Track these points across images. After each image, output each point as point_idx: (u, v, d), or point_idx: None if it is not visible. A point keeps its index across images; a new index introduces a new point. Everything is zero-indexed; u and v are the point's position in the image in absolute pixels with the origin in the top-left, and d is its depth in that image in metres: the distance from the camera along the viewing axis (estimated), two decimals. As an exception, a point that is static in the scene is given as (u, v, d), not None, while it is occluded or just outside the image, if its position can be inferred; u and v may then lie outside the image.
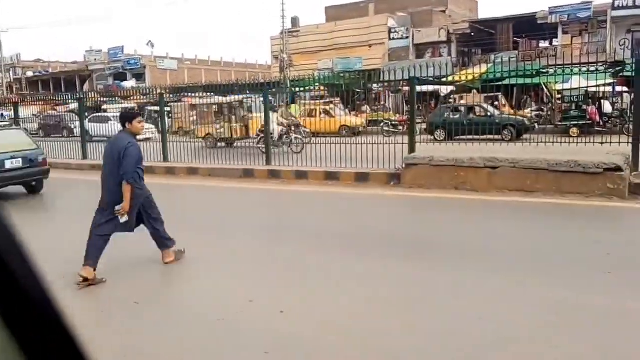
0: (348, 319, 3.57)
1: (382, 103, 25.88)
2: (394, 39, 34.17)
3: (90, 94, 15.43)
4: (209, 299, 4.10)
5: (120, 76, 43.63)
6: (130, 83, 39.78)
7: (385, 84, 13.97)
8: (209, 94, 16.05)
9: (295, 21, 38.69)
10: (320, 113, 18.10)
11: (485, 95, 18.62)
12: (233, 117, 16.16)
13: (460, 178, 8.18)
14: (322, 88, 20.20)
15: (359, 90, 15.77)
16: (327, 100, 21.93)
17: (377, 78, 17.23)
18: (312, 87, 16.09)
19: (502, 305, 3.70)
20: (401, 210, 7.70)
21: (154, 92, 14.14)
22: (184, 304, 4.04)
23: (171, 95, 16.57)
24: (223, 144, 15.22)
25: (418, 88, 10.81)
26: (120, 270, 4.76)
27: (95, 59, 45.22)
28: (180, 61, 46.04)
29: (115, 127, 14.86)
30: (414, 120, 10.26)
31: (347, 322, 3.51)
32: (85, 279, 4.31)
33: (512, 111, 19.07)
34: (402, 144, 9.90)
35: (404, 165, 8.91)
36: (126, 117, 4.83)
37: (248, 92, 14.72)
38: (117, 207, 4.49)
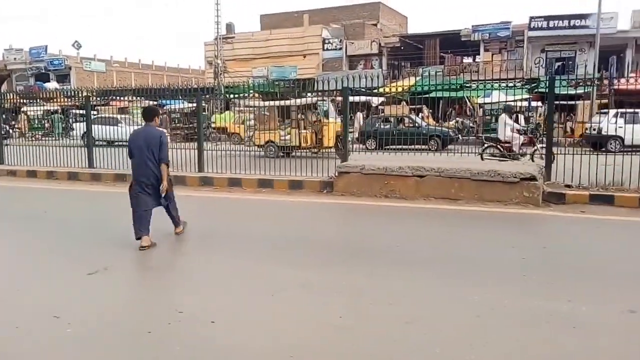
0: (281, 326, 3.61)
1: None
2: (327, 49, 34.81)
3: (7, 95, 14.38)
4: (134, 311, 3.98)
5: (43, 77, 41.18)
6: (53, 84, 37.62)
7: (319, 94, 14.22)
8: (139, 97, 15.53)
9: (230, 27, 38.38)
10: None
11: (411, 107, 19.41)
12: (302, 122, 14.35)
13: (390, 186, 8.48)
14: (256, 95, 20.17)
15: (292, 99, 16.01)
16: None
17: (311, 87, 17.49)
18: (246, 94, 16.02)
19: (430, 308, 3.88)
20: (333, 217, 7.86)
21: (80, 95, 13.48)
22: (107, 317, 3.88)
23: (98, 99, 15.86)
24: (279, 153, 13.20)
25: (350, 98, 11.09)
26: (41, 283, 4.52)
27: (15, 58, 42.41)
28: (109, 63, 44.16)
29: (125, 129, 13.90)
30: (346, 129, 10.51)
31: (280, 330, 3.55)
32: (146, 246, 5.47)
33: (434, 122, 19.94)
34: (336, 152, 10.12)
35: (336, 174, 9.11)
36: (154, 113, 5.91)
37: (180, 97, 14.41)
38: (161, 187, 5.68)
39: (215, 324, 3.61)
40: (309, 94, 14.28)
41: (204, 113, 13.64)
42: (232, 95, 16.82)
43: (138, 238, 5.52)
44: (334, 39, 34.92)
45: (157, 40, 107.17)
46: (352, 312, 3.84)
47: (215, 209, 8.52)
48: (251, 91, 15.96)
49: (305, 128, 14.41)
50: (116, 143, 13.43)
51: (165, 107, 15.05)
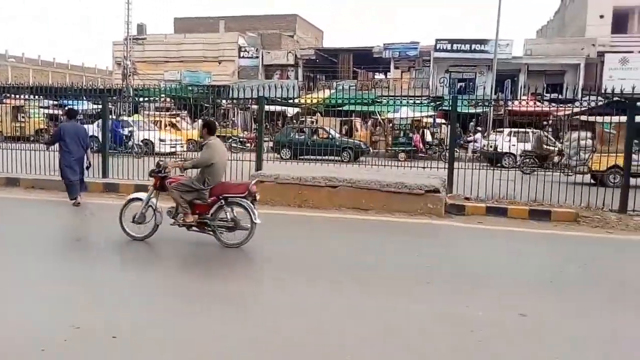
0: (187, 341, 3.50)
1: (232, 120, 25.89)
2: (244, 57, 34.59)
3: None
4: (27, 328, 3.66)
5: None
6: None
7: (235, 101, 14.05)
8: (37, 97, 14.34)
9: (141, 28, 36.90)
10: (165, 125, 17.44)
11: (341, 119, 19.84)
12: None
13: (303, 196, 8.56)
14: (168, 100, 19.51)
15: (207, 105, 15.66)
16: (174, 112, 21.24)
17: (226, 94, 17.27)
18: (157, 98, 15.42)
19: (339, 316, 3.96)
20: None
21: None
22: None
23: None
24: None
25: (266, 107, 11.09)
26: None
27: None
28: (3, 58, 40.52)
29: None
30: (261, 138, 10.48)
31: (185, 345, 3.44)
32: (79, 203, 8.34)
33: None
34: (250, 161, 10.05)
35: (250, 182, 9.02)
36: (76, 112, 9.47)
37: (85, 98, 13.53)
38: (85, 164, 8.52)
39: (117, 339, 3.42)
40: (223, 101, 14.06)
41: (111, 117, 12.93)
42: (141, 99, 16.12)
43: (73, 199, 8.27)
44: (250, 48, 34.79)
45: (61, 36, 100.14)
46: (259, 325, 3.81)
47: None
48: (162, 95, 15.41)
49: None
50: None
51: (66, 108, 14.02)
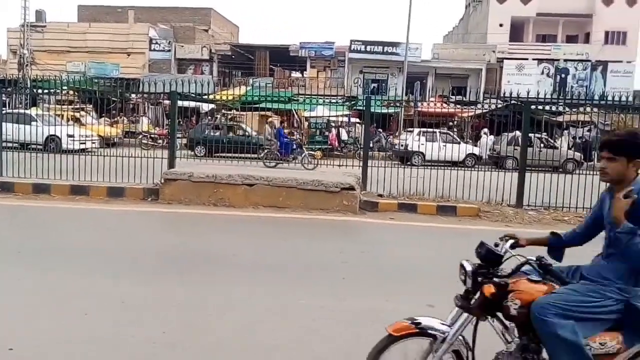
0: (95, 349, 3.30)
1: (142, 115, 24.78)
2: (155, 50, 33.23)
3: None
4: None
5: None
6: None
7: (145, 96, 13.44)
8: None
9: (40, 15, 34.22)
10: (68, 120, 16.27)
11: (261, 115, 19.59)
12: None
13: (219, 194, 8.40)
14: (71, 92, 18.23)
15: (115, 99, 14.84)
16: (78, 106, 19.89)
17: (136, 88, 16.47)
18: (59, 90, 14.35)
19: (263, 315, 3.93)
20: (156, 227, 7.48)
21: None
22: None
23: None
24: None
25: (179, 103, 10.74)
26: None
27: None
28: None
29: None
30: (174, 134, 10.13)
31: (94, 353, 3.25)
32: None
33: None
34: (162, 158, 9.67)
35: (162, 181, 8.70)
36: None
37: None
38: None
39: (13, 352, 3.15)
40: (133, 95, 13.41)
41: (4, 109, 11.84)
42: (40, 90, 14.92)
43: None
44: (162, 40, 33.49)
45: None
46: (176, 326, 3.69)
47: (19, 219, 7.44)
48: (64, 87, 14.37)
49: None
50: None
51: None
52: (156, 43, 33.22)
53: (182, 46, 33.50)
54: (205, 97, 17.87)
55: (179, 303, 4.12)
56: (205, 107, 23.05)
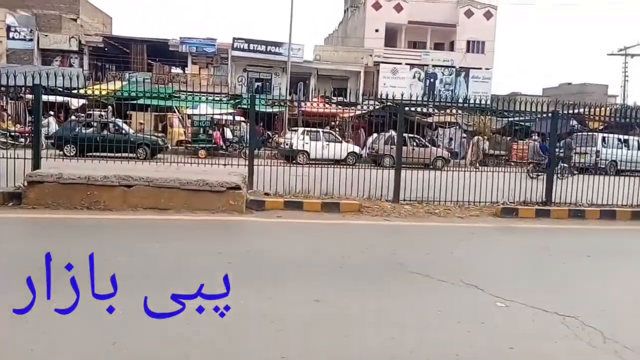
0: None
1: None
2: (14, 38, 29.95)
3: None
4: None
5: None
6: None
7: (3, 89, 11.99)
8: None
9: None
10: None
11: (156, 114, 18.52)
12: None
13: (93, 197, 7.82)
14: None
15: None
16: None
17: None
18: None
19: (143, 320, 3.76)
20: (18, 235, 6.77)
21: None
22: None
23: None
24: None
25: (45, 97, 9.79)
26: None
27: None
28: None
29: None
30: (38, 132, 9.23)
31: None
32: None
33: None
34: (25, 158, 8.76)
35: (26, 183, 7.88)
36: None
37: None
38: None
39: None
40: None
41: None
42: None
43: None
44: (23, 28, 30.25)
45: None
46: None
47: None
48: None
49: None
50: None
51: None
52: (15, 31, 29.94)
53: (47, 35, 30.56)
54: (75, 91, 16.46)
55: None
56: (76, 102, 21.26)
